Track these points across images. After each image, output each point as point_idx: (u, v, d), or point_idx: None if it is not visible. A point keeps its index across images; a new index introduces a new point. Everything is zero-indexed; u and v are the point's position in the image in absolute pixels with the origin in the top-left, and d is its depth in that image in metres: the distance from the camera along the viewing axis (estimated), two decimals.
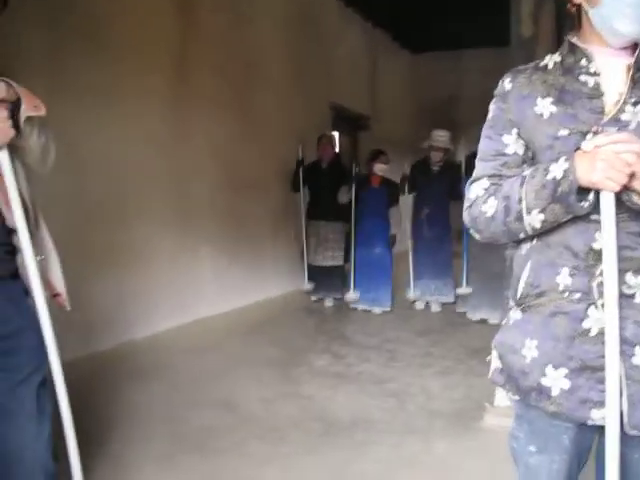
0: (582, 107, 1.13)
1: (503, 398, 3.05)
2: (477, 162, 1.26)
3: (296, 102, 6.27)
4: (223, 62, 5.23)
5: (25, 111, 1.43)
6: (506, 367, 1.24)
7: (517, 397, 1.25)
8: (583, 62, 1.16)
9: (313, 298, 6.01)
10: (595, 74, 1.15)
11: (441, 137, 5.51)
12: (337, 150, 6.07)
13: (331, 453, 2.71)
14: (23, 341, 1.57)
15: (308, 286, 5.95)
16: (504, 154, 1.21)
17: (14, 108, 1.41)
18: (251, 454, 2.69)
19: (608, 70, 1.15)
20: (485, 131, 1.26)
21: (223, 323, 5.03)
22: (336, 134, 7.59)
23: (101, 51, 3.98)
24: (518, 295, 1.22)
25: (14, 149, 1.47)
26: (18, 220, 1.45)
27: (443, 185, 5.49)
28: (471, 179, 1.25)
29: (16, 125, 1.42)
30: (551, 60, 1.23)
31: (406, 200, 5.87)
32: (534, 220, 1.11)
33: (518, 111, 1.19)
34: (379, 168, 5.56)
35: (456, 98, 9.27)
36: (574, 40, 1.19)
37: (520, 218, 1.12)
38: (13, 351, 1.56)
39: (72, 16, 3.77)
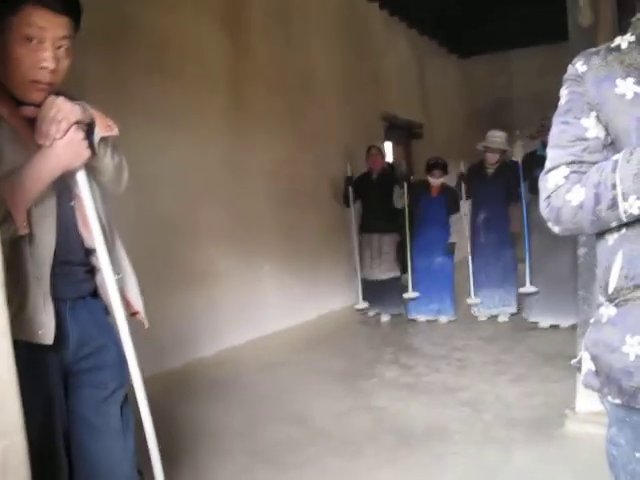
0: None
1: (585, 404, 2.94)
2: (551, 150, 1.19)
3: (348, 114, 6.28)
4: (276, 80, 5.30)
5: (99, 132, 1.46)
6: (604, 369, 1.15)
7: (618, 400, 1.13)
8: None
9: (370, 314, 5.87)
10: None
11: (496, 138, 5.32)
12: (387, 160, 6.06)
13: (408, 465, 2.66)
14: (106, 358, 1.60)
15: (363, 304, 5.83)
16: (585, 139, 1.14)
17: (88, 129, 1.45)
18: (327, 468, 2.67)
19: None
20: (559, 117, 1.20)
21: (288, 338, 5.05)
22: (388, 144, 7.59)
23: (162, 75, 4.09)
24: (610, 289, 1.14)
25: (90, 170, 1.50)
26: (97, 240, 1.48)
27: (500, 188, 5.30)
28: (547, 168, 1.18)
29: (91, 146, 1.45)
30: (623, 41, 1.17)
31: (463, 205, 5.71)
32: (632, 206, 1.03)
33: (597, 93, 1.13)
34: (433, 182, 5.51)
35: (508, 100, 9.11)
36: None
37: (614, 205, 1.05)
38: (97, 368, 1.59)
39: (134, 43, 3.91)
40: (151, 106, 3.99)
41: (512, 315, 5.42)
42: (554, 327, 4.87)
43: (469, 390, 3.59)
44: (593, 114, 1.14)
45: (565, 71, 1.21)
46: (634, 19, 1.20)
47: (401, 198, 5.53)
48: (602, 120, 1.14)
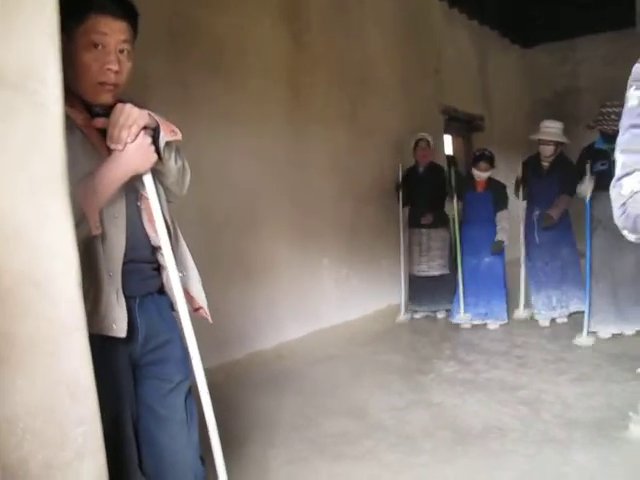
0: None
1: None
2: (622, 155, 1.14)
3: (406, 107, 6.25)
4: (334, 73, 5.34)
5: (164, 137, 1.53)
6: None
7: None
8: None
9: (417, 316, 5.63)
10: None
11: (550, 129, 4.92)
12: (447, 153, 5.90)
13: (466, 463, 2.66)
14: (171, 352, 1.68)
15: (404, 317, 5.57)
16: None
17: (154, 134, 1.53)
18: (385, 462, 2.70)
19: None
20: (630, 120, 1.14)
21: (346, 332, 5.10)
22: (448, 137, 7.50)
23: (222, 72, 4.20)
24: None
25: (154, 172, 1.58)
26: (162, 239, 1.56)
27: (555, 182, 4.89)
28: (619, 175, 1.13)
29: (157, 150, 1.53)
30: None
31: (519, 206, 5.40)
32: None
33: None
34: (478, 176, 5.19)
35: (573, 90, 8.81)
36: None
37: None
38: (164, 361, 1.67)
39: (195, 42, 4.03)
40: (212, 103, 4.11)
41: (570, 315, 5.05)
42: (615, 336, 4.46)
43: (528, 388, 3.54)
44: None
45: (632, 59, 1.16)
46: None
47: (452, 210, 5.29)
48: None
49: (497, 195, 5.15)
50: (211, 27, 4.14)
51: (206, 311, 1.76)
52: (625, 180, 1.12)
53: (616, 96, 4.39)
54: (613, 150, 4.21)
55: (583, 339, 4.39)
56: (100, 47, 1.48)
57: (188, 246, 1.77)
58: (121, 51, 1.52)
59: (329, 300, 5.22)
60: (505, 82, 8.79)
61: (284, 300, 4.72)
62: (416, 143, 5.53)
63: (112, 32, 1.49)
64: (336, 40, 5.39)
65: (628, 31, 6.84)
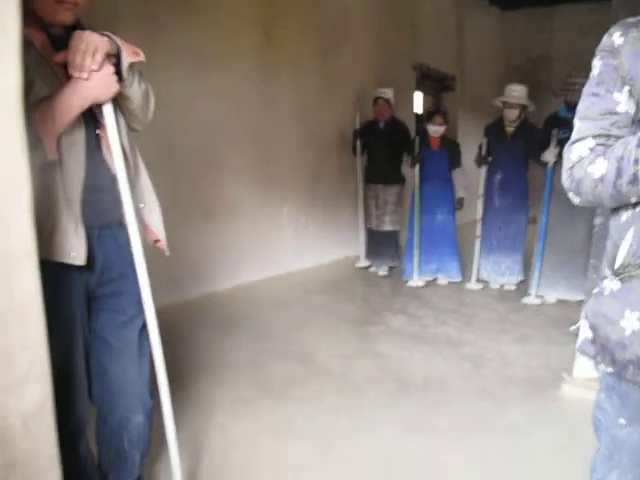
0: None
1: (583, 369, 3.01)
2: (579, 121, 1.19)
3: (379, 60, 6.18)
4: (308, 24, 5.22)
5: (126, 59, 1.49)
6: (600, 338, 1.20)
7: (611, 369, 1.20)
8: None
9: (372, 269, 5.69)
10: None
11: (515, 92, 4.80)
12: (417, 111, 5.78)
13: (405, 409, 2.77)
14: (126, 286, 1.68)
15: (365, 262, 5.74)
16: (615, 112, 1.14)
17: (116, 58, 1.48)
18: (327, 404, 2.80)
19: None
20: (590, 88, 1.19)
21: (302, 279, 5.17)
22: (419, 94, 7.46)
23: (194, 13, 4.07)
24: (617, 264, 1.17)
25: (118, 97, 1.54)
26: (118, 168, 1.53)
27: (519, 148, 4.83)
28: (572, 139, 1.18)
29: (119, 73, 1.49)
30: None
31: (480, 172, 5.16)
32: None
33: (632, 67, 1.12)
34: (433, 130, 5.05)
35: (546, 58, 8.83)
36: None
37: (634, 181, 1.06)
38: (119, 294, 1.68)
39: None
40: (181, 39, 3.99)
41: (519, 283, 5.08)
42: (561, 302, 4.61)
43: (472, 345, 3.68)
44: (626, 88, 1.13)
45: (607, 31, 1.19)
46: None
47: (410, 167, 5.14)
48: (635, 95, 1.13)
49: (451, 153, 5.12)
50: None
51: (164, 243, 1.76)
52: (576, 145, 1.17)
53: (587, 67, 4.45)
54: None
55: (531, 299, 4.64)
56: None
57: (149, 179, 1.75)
58: None
59: (287, 247, 5.25)
60: (481, 44, 8.73)
61: (242, 243, 4.73)
62: (374, 101, 5.41)
63: None
64: None
65: (606, 3, 6.83)
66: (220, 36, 4.30)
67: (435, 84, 7.81)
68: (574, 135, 1.19)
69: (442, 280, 5.25)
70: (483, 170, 4.98)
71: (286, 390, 2.94)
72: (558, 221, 4.50)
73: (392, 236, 5.57)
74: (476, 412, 2.78)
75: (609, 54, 1.17)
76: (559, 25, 8.90)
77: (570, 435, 2.55)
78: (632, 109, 1.14)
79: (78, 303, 1.59)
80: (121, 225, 1.66)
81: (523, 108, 4.80)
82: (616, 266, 1.17)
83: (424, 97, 7.60)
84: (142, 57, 1.54)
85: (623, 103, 1.14)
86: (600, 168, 1.11)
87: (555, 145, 4.37)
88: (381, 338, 3.80)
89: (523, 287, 4.94)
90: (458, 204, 5.15)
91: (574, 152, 1.17)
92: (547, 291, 4.65)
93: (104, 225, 1.62)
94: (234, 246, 4.65)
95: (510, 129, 4.89)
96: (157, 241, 1.75)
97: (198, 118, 4.21)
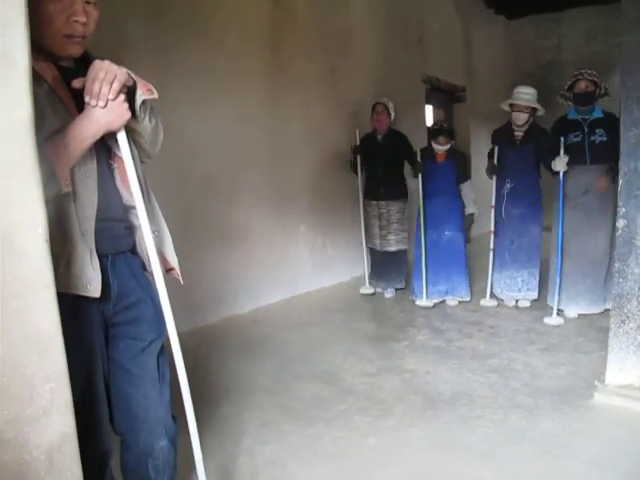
0: None
1: (615, 376, 2.94)
2: None
3: (389, 77, 6.19)
4: (317, 44, 5.27)
5: (141, 95, 1.51)
6: None
7: None
8: None
9: (370, 290, 5.29)
10: None
11: (525, 95, 4.52)
12: (428, 123, 5.45)
13: (433, 426, 2.72)
14: (143, 311, 1.69)
15: (368, 289, 5.29)
16: None
17: (129, 92, 1.50)
18: (354, 425, 2.75)
19: None
20: None
21: (321, 299, 5.14)
22: (429, 107, 7.46)
23: (202, 37, 4.14)
24: None
25: (129, 131, 1.56)
26: (137, 198, 1.55)
27: (529, 153, 4.54)
28: None
29: (132, 108, 1.50)
30: None
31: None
32: None
33: None
34: (438, 149, 4.81)
35: (557, 63, 8.79)
36: None
37: None
38: (136, 320, 1.68)
39: (176, 6, 3.95)
40: (192, 68, 4.05)
41: (534, 301, 4.74)
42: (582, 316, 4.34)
43: (498, 357, 3.61)
44: None
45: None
46: None
47: (414, 177, 4.90)
48: None
49: (458, 165, 4.84)
50: None
51: (177, 272, 1.76)
52: None
53: (599, 70, 4.37)
54: (586, 120, 4.23)
55: (553, 319, 4.28)
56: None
57: (164, 208, 1.76)
58: (87, 1, 1.47)
59: (304, 267, 5.25)
60: (489, 54, 8.75)
61: (260, 266, 4.73)
62: (373, 107, 5.13)
63: None
64: (318, 5, 5.30)
65: (613, 5, 6.83)
66: (229, 59, 4.35)
67: (445, 96, 7.81)
68: None
69: (451, 301, 4.91)
70: (494, 179, 4.75)
71: (312, 412, 2.90)
72: (574, 231, 4.27)
73: (399, 256, 5.21)
74: (506, 425, 2.72)
75: None
76: (566, 30, 8.89)
77: (607, 446, 2.47)
78: None
79: (96, 332, 1.60)
80: (134, 252, 1.68)
81: (532, 112, 4.53)
82: None
83: (435, 110, 7.60)
84: (155, 94, 1.56)
85: None
86: None
87: (564, 153, 4.14)
88: (405, 354, 3.75)
89: (538, 303, 4.67)
90: (468, 221, 4.85)
91: None
92: (568, 306, 4.37)
93: (117, 252, 1.63)
94: (252, 269, 4.66)
95: (519, 134, 4.61)
96: (170, 270, 1.75)
97: (210, 142, 4.25)
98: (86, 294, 1.48)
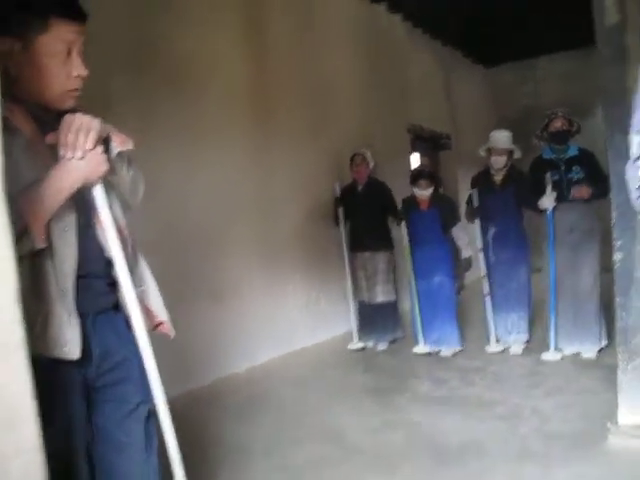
0: None
1: (628, 416, 2.81)
2: (637, 136, 1.09)
3: (372, 127, 6.25)
4: (299, 96, 5.32)
5: (115, 147, 1.49)
6: None
7: None
8: None
9: (359, 345, 5.09)
10: None
11: (501, 138, 4.55)
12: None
13: None
14: (129, 372, 1.58)
15: (358, 344, 5.09)
16: None
17: (105, 145, 1.46)
18: None
19: None
20: None
21: (318, 353, 5.00)
22: (416, 155, 7.52)
23: (185, 92, 4.15)
24: None
25: (107, 183, 1.51)
26: (114, 252, 1.47)
27: (510, 197, 4.52)
28: (636, 155, 1.07)
29: (108, 160, 1.46)
30: None
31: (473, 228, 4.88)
32: None
33: None
34: (419, 194, 4.74)
35: (535, 108, 8.94)
36: None
37: None
38: (121, 382, 1.58)
39: (157, 61, 3.98)
40: (175, 122, 4.05)
41: (527, 343, 4.66)
42: (577, 355, 4.25)
43: (504, 404, 3.48)
44: None
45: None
46: None
47: (397, 224, 4.89)
48: None
49: (444, 211, 4.72)
50: (172, 44, 4.11)
51: (168, 325, 1.68)
52: None
53: (577, 113, 4.44)
54: (561, 160, 4.25)
55: (550, 354, 4.27)
56: (66, 53, 1.43)
57: (152, 265, 1.70)
58: (79, 54, 1.47)
59: (299, 322, 5.13)
60: (470, 101, 8.91)
61: (253, 322, 4.61)
62: (351, 159, 5.13)
63: (78, 38, 1.44)
64: (300, 58, 5.39)
65: (587, 50, 7.05)
66: (212, 114, 4.36)
67: (430, 144, 7.89)
68: (634, 150, 1.08)
69: (445, 352, 4.69)
70: (477, 223, 4.73)
71: (317, 474, 2.73)
72: (563, 268, 4.24)
73: (388, 307, 5.05)
74: (520, 476, 2.58)
75: None
76: (542, 75, 9.11)
77: None
78: None
79: (77, 398, 1.49)
80: (117, 309, 1.59)
81: (510, 155, 4.57)
82: None
83: (421, 158, 7.66)
84: (131, 145, 1.54)
85: None
86: None
87: (552, 189, 4.15)
88: (409, 406, 3.61)
89: (534, 345, 4.58)
90: (466, 264, 4.75)
91: None
92: (565, 345, 4.30)
93: (99, 311, 1.54)
94: (245, 326, 4.53)
95: (498, 178, 4.63)
96: (158, 325, 1.67)
97: (198, 196, 4.21)
98: (64, 357, 1.38)
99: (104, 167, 1.44)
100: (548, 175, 4.18)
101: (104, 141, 1.45)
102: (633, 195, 1.05)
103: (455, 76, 8.56)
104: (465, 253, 4.75)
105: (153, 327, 1.66)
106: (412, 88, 7.29)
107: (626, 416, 2.82)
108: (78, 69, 1.44)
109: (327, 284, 5.42)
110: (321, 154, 5.47)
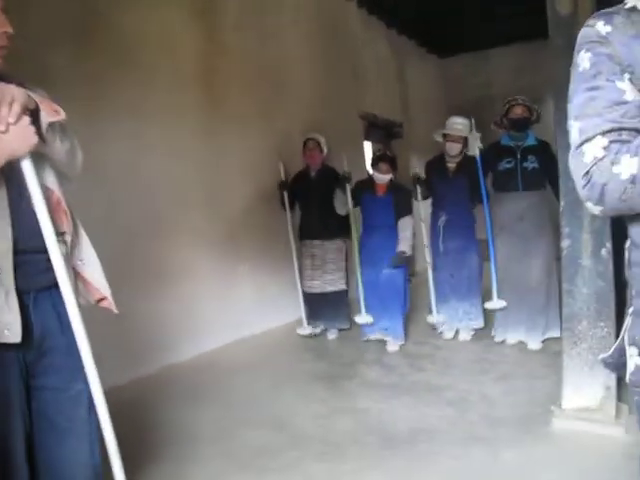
0: None
1: (572, 399, 2.87)
2: (577, 121, 1.06)
3: (325, 113, 6.17)
4: (251, 79, 5.20)
5: (46, 117, 1.40)
6: None
7: None
8: None
9: (317, 331, 5.00)
10: None
11: (458, 124, 4.50)
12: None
13: (393, 467, 2.57)
14: (69, 358, 1.50)
15: (307, 329, 4.98)
16: (623, 102, 1.01)
17: (33, 116, 1.38)
18: (311, 473, 2.56)
19: None
20: (585, 83, 1.07)
21: (267, 340, 4.94)
22: (368, 143, 7.50)
23: (133, 70, 4.01)
24: None
25: (40, 155, 1.43)
26: (44, 226, 1.38)
27: (462, 184, 4.49)
28: (577, 142, 1.04)
29: (38, 132, 1.38)
30: (637, 1, 1.06)
31: (423, 206, 4.90)
32: None
33: (628, 54, 1.03)
34: (378, 178, 4.61)
35: (486, 99, 9.08)
36: None
37: None
38: (60, 368, 1.51)
39: (103, 37, 3.82)
40: (120, 99, 3.90)
41: (478, 330, 4.65)
42: (521, 344, 4.27)
43: (453, 389, 3.51)
44: (627, 76, 1.03)
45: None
46: None
47: (344, 205, 4.69)
48: (636, 82, 1.02)
49: (399, 199, 4.58)
50: (117, 19, 3.95)
51: (110, 301, 1.60)
52: (586, 147, 1.02)
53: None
54: (519, 147, 4.29)
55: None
56: None
57: (96, 244, 1.62)
58: (3, 11, 1.38)
59: (248, 308, 5.04)
60: (423, 90, 8.96)
61: (202, 309, 4.51)
62: (304, 143, 4.94)
63: None
64: (252, 41, 5.27)
65: (537, 43, 7.18)
66: (161, 94, 4.22)
67: (383, 132, 7.89)
68: (575, 137, 1.04)
69: (391, 346, 4.54)
70: (427, 217, 4.71)
71: (263, 461, 2.69)
72: (512, 259, 4.27)
73: (338, 297, 4.93)
74: (467, 459, 2.60)
75: (597, 44, 1.06)
76: (494, 67, 9.24)
77: (570, 472, 2.39)
78: (638, 97, 1.02)
79: (15, 383, 1.41)
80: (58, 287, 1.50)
81: (465, 142, 4.50)
82: None
83: (374, 146, 7.65)
84: (63, 115, 1.45)
85: (629, 91, 1.02)
86: (629, 167, 0.96)
87: (497, 179, 4.27)
88: (358, 392, 3.60)
89: (478, 337, 4.59)
90: (397, 260, 4.48)
91: (587, 154, 1.01)
92: (508, 334, 4.34)
93: (40, 288, 1.46)
94: (194, 312, 4.43)
95: (452, 165, 4.58)
96: (101, 300, 1.59)
97: (145, 178, 4.07)
98: (4, 341, 1.31)
99: (32, 140, 1.35)
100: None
101: (33, 112, 1.37)
102: (579, 184, 1.02)
103: (409, 65, 8.58)
104: (400, 246, 4.50)
105: (95, 301, 1.59)
106: (366, 76, 7.26)
107: (570, 400, 2.89)
108: (6, 26, 1.36)
109: (278, 270, 5.32)
110: (272, 138, 5.34)
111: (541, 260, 4.20)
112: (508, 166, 4.23)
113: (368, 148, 7.52)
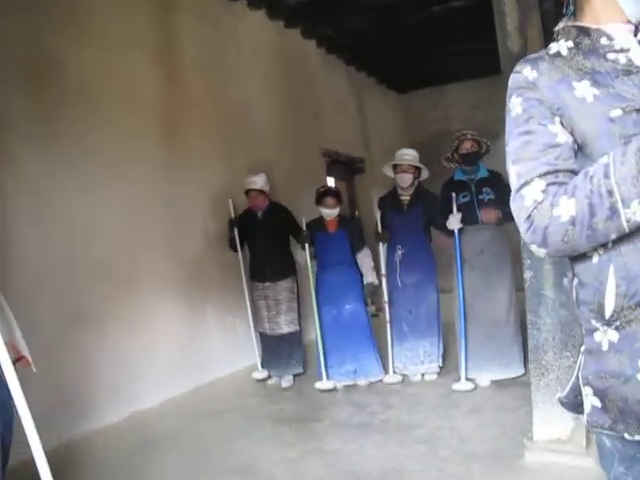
0: (623, 84, 1.01)
1: (543, 432, 2.84)
2: (515, 165, 1.06)
3: (287, 150, 6.20)
4: (211, 115, 5.19)
5: None
6: (615, 402, 1.01)
7: (638, 436, 1.00)
8: (604, 41, 1.06)
9: (271, 381, 4.81)
10: (623, 50, 1.04)
11: (406, 155, 4.46)
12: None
13: None
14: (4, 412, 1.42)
15: (262, 373, 4.84)
16: (556, 145, 1.03)
17: None
18: None
19: (627, 43, 1.05)
20: (518, 128, 1.08)
21: (235, 383, 4.81)
22: (331, 180, 7.53)
23: (90, 111, 3.96)
24: (608, 312, 1.00)
25: None
26: None
27: (417, 217, 4.42)
28: (516, 186, 1.04)
29: None
30: (561, 47, 1.10)
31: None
32: (636, 213, 0.92)
33: (556, 98, 1.05)
34: (326, 214, 4.53)
35: (445, 133, 9.26)
36: (581, 23, 1.10)
37: (614, 215, 0.93)
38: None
39: (60, 78, 3.77)
40: (80, 143, 3.85)
41: (442, 368, 4.47)
42: (496, 382, 4.09)
43: (424, 426, 3.45)
44: (557, 119, 1.05)
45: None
46: (562, 26, 1.15)
47: (303, 256, 4.61)
48: (566, 125, 1.04)
49: (352, 233, 4.53)
50: (73, 60, 3.90)
51: (29, 359, 1.52)
52: (525, 190, 1.02)
53: (485, 136, 4.51)
54: (472, 181, 4.35)
55: (461, 384, 4.08)
56: None
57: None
58: None
59: (215, 350, 4.92)
60: (383, 125, 9.08)
61: (166, 353, 4.39)
62: (246, 193, 4.77)
63: None
64: (212, 81, 5.28)
65: (490, 79, 7.42)
66: (119, 134, 4.15)
67: (345, 168, 7.94)
68: (514, 181, 1.05)
69: (362, 382, 4.45)
70: (382, 247, 4.59)
71: None
72: (475, 293, 4.16)
73: (291, 339, 4.76)
74: None
75: (527, 89, 1.08)
76: (452, 101, 9.47)
77: None
78: (570, 139, 1.04)
79: None
80: None
81: (416, 173, 4.47)
82: (607, 314, 1.01)
83: (337, 182, 7.68)
84: None
85: (560, 134, 1.04)
86: (567, 209, 0.96)
87: (457, 210, 4.13)
88: (327, 434, 3.51)
89: (446, 371, 4.43)
90: (368, 291, 4.50)
91: (527, 198, 1.01)
92: (479, 372, 4.15)
93: None
94: (158, 357, 4.30)
95: (405, 198, 4.51)
96: (20, 359, 1.51)
97: (104, 225, 3.98)
98: None
99: None
100: (453, 195, 4.17)
101: None
102: (522, 228, 1.02)
103: (369, 101, 8.71)
104: (368, 278, 4.49)
105: (15, 361, 1.51)
106: (327, 112, 7.33)
107: (541, 432, 2.86)
108: None
109: (244, 309, 5.20)
110: (232, 176, 5.30)
111: (504, 292, 4.15)
112: (464, 200, 4.21)
113: (331, 184, 7.54)
